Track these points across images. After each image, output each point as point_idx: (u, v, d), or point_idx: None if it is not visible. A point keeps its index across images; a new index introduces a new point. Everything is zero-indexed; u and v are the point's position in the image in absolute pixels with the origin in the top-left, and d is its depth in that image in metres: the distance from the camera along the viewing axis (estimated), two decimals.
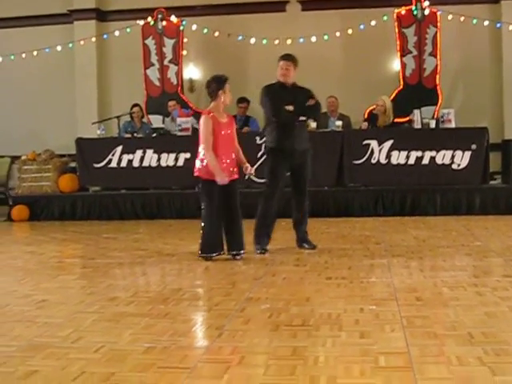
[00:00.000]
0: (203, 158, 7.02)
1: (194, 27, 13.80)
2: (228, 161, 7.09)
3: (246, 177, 7.54)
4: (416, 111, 11.80)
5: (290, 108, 7.46)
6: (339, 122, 11.79)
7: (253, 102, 12.73)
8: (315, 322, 4.37)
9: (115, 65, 14.67)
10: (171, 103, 13.12)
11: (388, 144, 11.30)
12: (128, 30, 13.99)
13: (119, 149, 12.09)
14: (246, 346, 3.91)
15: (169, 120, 13.10)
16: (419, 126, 11.67)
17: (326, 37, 13.29)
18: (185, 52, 14.02)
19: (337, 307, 4.78)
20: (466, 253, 7.22)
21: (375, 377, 3.29)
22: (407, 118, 12.27)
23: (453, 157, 11.17)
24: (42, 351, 3.86)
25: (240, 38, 13.61)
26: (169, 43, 13.95)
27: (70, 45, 14.25)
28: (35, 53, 14.15)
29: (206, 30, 13.76)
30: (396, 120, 11.99)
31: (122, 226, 10.98)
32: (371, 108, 12.14)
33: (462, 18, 13.01)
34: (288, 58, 7.61)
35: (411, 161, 11.26)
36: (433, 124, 11.70)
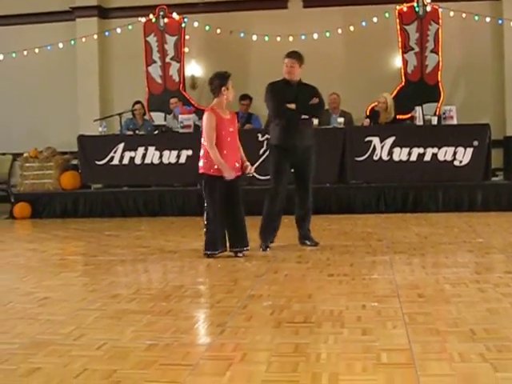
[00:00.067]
0: (207, 154, 7.02)
1: (196, 24, 13.80)
2: (232, 157, 7.10)
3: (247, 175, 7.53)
4: (418, 108, 11.78)
5: (292, 106, 7.47)
6: (341, 119, 11.79)
7: (255, 99, 12.78)
8: (317, 319, 4.37)
9: (117, 62, 14.68)
10: (173, 100, 13.12)
11: (390, 141, 11.28)
12: (130, 27, 13.99)
13: (121, 146, 12.08)
14: (248, 342, 3.92)
15: (171, 117, 13.10)
16: (421, 123, 11.66)
17: (327, 34, 13.29)
18: (186, 49, 14.02)
19: (339, 304, 4.78)
20: (468, 249, 7.22)
21: (377, 373, 3.29)
22: (409, 115, 12.26)
23: (455, 153, 11.16)
24: (44, 348, 3.87)
25: (242, 35, 13.61)
26: (170, 40, 13.95)
27: (72, 42, 14.26)
28: (37, 50, 14.15)
29: (207, 27, 13.76)
30: (398, 117, 11.98)
31: (124, 223, 10.98)
32: (373, 105, 12.13)
33: (464, 15, 13.01)
34: (293, 55, 7.59)
35: (413, 157, 11.25)
36: (435, 121, 11.69)
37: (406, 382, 3.18)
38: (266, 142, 11.31)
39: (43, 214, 12.16)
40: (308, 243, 7.67)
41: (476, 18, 13.00)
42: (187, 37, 13.95)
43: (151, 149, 11.98)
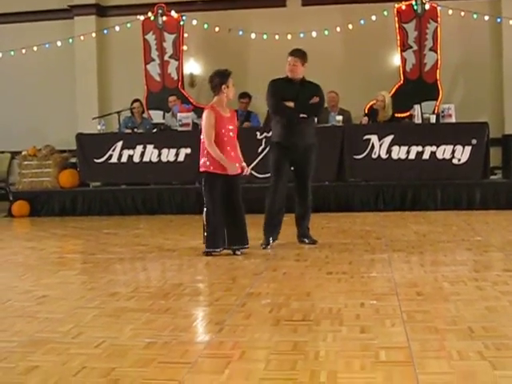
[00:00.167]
0: (207, 152, 7.02)
1: (195, 22, 13.78)
2: (233, 154, 7.11)
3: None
4: (416, 106, 11.78)
5: (291, 104, 7.48)
6: (340, 117, 11.78)
7: (253, 97, 12.79)
8: (316, 317, 4.37)
9: (115, 60, 14.66)
10: (172, 98, 13.11)
11: (388, 139, 11.29)
12: (128, 25, 13.97)
13: (120, 144, 12.08)
14: (246, 340, 3.92)
15: (169, 115, 13.09)
16: (420, 121, 11.65)
17: (326, 32, 13.27)
18: (185, 47, 14.01)
19: (337, 302, 4.78)
20: (467, 247, 7.22)
21: (376, 371, 3.29)
22: (407, 113, 12.26)
23: (453, 152, 11.16)
24: (43, 346, 3.87)
25: (240, 33, 13.60)
26: (169, 38, 13.93)
27: (71, 40, 14.23)
28: (35, 48, 14.14)
29: (206, 25, 13.75)
30: (396, 115, 11.99)
31: (123, 221, 10.98)
32: (371, 103, 12.13)
33: (463, 13, 13.00)
34: (296, 53, 7.60)
35: (412, 156, 11.25)
36: (433, 119, 11.69)
37: (404, 379, 3.18)
38: (264, 140, 11.33)
39: (42, 212, 12.16)
40: (307, 241, 7.68)
41: (475, 16, 13.00)
42: (186, 35, 13.94)
43: (150, 147, 11.98)
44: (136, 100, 13.00)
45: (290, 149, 7.51)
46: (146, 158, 12.00)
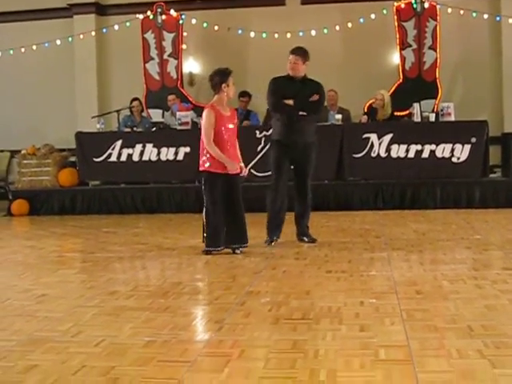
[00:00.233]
0: (206, 151, 7.02)
1: (194, 21, 13.78)
2: (233, 153, 7.11)
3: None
4: (416, 104, 11.79)
5: (290, 102, 7.48)
6: (339, 116, 11.78)
7: (254, 96, 12.80)
8: (315, 316, 4.37)
9: (115, 59, 14.66)
10: (171, 97, 13.12)
11: (388, 137, 11.29)
12: (127, 24, 13.97)
13: (119, 143, 12.08)
14: (246, 339, 3.92)
15: (168, 114, 13.09)
16: (419, 120, 11.66)
17: (325, 30, 13.27)
18: (184, 46, 14.01)
19: (337, 300, 4.78)
20: (466, 246, 7.22)
21: (375, 370, 3.29)
22: (407, 112, 12.27)
23: (452, 150, 11.16)
24: (42, 345, 3.87)
25: (240, 31, 13.59)
26: (168, 37, 13.94)
27: (70, 39, 14.23)
28: (34, 47, 14.14)
29: (205, 24, 13.74)
30: (396, 113, 11.98)
31: (122, 220, 10.98)
32: (371, 101, 12.13)
33: (462, 12, 13.00)
34: (297, 52, 7.60)
35: (411, 154, 11.25)
36: (432, 117, 11.69)
37: (403, 378, 3.18)
38: (263, 139, 11.34)
39: (41, 210, 12.17)
40: (306, 240, 7.68)
41: (474, 14, 12.99)
42: (185, 34, 13.94)
43: (149, 146, 11.98)
44: (135, 99, 13.00)
45: (290, 147, 7.51)
46: (145, 157, 12.00)
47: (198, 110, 11.67)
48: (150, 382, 3.25)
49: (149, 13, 13.88)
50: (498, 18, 13.08)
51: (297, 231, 7.79)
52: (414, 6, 13.05)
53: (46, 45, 14.12)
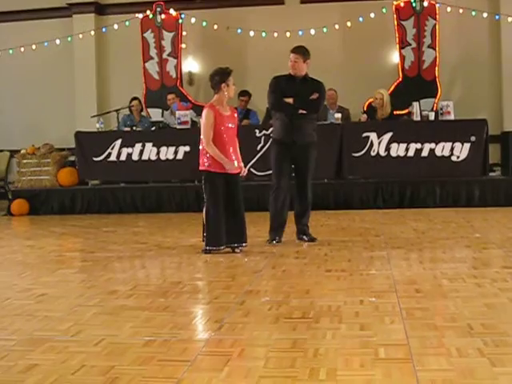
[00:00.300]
0: (206, 151, 7.02)
1: (193, 20, 13.77)
2: (233, 152, 7.11)
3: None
4: (415, 103, 11.78)
5: (290, 101, 7.48)
6: (338, 115, 11.78)
7: (253, 94, 12.80)
8: (315, 315, 4.37)
9: (114, 58, 14.65)
10: (170, 96, 13.12)
11: (387, 136, 11.28)
12: (127, 23, 13.97)
13: (118, 142, 12.07)
14: (245, 338, 3.92)
15: (168, 113, 13.09)
16: (418, 118, 11.65)
17: (324, 29, 13.27)
18: (184, 45, 14.01)
19: (336, 299, 4.78)
20: (466, 244, 7.22)
21: (375, 369, 3.29)
22: (406, 111, 12.26)
23: (452, 149, 11.16)
24: (42, 345, 3.87)
25: (239, 31, 13.59)
26: (167, 36, 13.93)
27: (69, 38, 14.22)
28: (34, 47, 14.12)
29: (204, 23, 13.73)
30: (395, 112, 11.97)
31: (122, 219, 10.98)
32: (370, 100, 12.13)
33: (461, 10, 13.00)
34: (297, 50, 7.61)
35: (410, 153, 11.25)
36: (432, 116, 11.68)
37: (403, 377, 3.18)
38: (263, 138, 11.34)
39: (41, 210, 12.17)
40: (306, 239, 7.68)
41: (473, 13, 12.98)
42: (184, 33, 13.94)
43: (148, 145, 11.98)
44: (135, 98, 13.00)
45: (290, 146, 7.52)
46: (144, 156, 11.99)
47: (198, 109, 11.68)
48: (149, 382, 3.26)
49: (148, 12, 13.88)
50: (497, 17, 13.07)
51: (296, 230, 7.80)
52: (414, 4, 13.05)
53: (46, 44, 14.11)
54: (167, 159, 11.93)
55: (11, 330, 4.24)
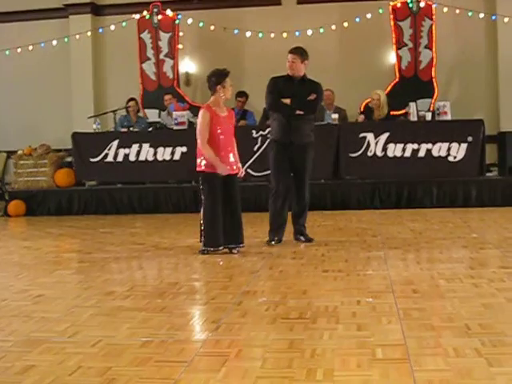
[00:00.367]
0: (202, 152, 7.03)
1: (190, 21, 13.77)
2: (230, 154, 7.11)
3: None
4: (412, 104, 11.78)
5: (287, 101, 7.48)
6: (335, 115, 11.79)
7: (250, 95, 12.80)
8: (312, 315, 4.38)
9: (111, 59, 14.63)
10: (167, 97, 13.11)
11: (384, 137, 11.29)
12: (124, 24, 13.95)
13: (115, 143, 12.07)
14: (243, 339, 3.92)
15: (165, 114, 13.09)
16: (415, 119, 11.67)
17: (321, 30, 13.27)
18: (180, 46, 13.99)
19: (334, 300, 4.78)
20: (463, 245, 7.23)
21: (372, 369, 3.29)
22: (403, 111, 12.25)
23: (449, 149, 11.16)
24: (39, 346, 3.86)
25: (236, 31, 13.58)
26: (164, 37, 13.92)
27: (66, 39, 14.20)
28: (31, 47, 14.10)
29: (201, 24, 13.73)
30: (392, 113, 11.97)
31: (119, 220, 10.97)
32: (367, 101, 12.13)
33: (458, 11, 13.00)
34: (294, 51, 7.62)
35: (407, 153, 11.25)
36: (429, 116, 11.70)
37: (400, 377, 3.18)
38: (260, 139, 11.34)
39: (37, 211, 12.16)
40: (302, 239, 7.69)
41: (470, 13, 12.99)
42: (181, 33, 13.92)
43: (145, 146, 11.97)
44: (131, 99, 12.99)
45: (288, 146, 7.52)
46: (141, 157, 11.99)
47: (195, 110, 11.67)
48: (146, 383, 3.26)
49: (145, 13, 13.87)
50: (493, 17, 13.08)
51: (294, 231, 7.80)
52: (410, 5, 13.05)
53: (42, 45, 14.10)
54: (164, 160, 11.93)
55: (8, 331, 4.23)
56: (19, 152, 12.92)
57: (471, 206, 10.85)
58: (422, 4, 13.00)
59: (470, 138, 11.13)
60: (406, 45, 13.12)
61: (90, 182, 12.69)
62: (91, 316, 4.57)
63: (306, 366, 3.37)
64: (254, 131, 11.52)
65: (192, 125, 11.82)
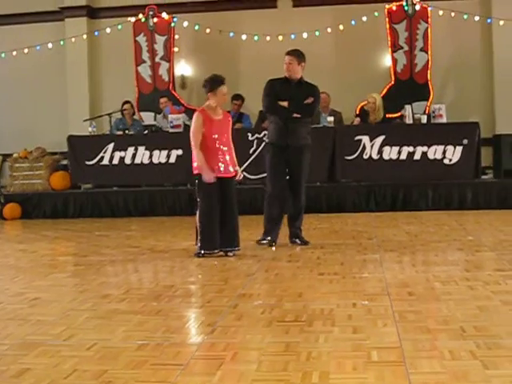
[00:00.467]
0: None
1: (186, 24, 13.77)
2: (226, 157, 7.10)
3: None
4: (407, 106, 11.81)
5: (284, 104, 7.49)
6: (331, 118, 11.80)
7: (245, 98, 12.81)
8: (308, 318, 4.38)
9: (106, 62, 14.63)
10: (163, 100, 13.11)
11: (380, 139, 11.30)
12: (119, 26, 13.95)
13: (111, 146, 12.06)
14: (238, 342, 3.92)
15: (160, 117, 13.09)
16: (411, 122, 11.69)
17: (317, 33, 13.28)
18: (176, 49, 13.99)
19: (329, 303, 4.78)
20: (458, 247, 7.24)
21: (368, 372, 3.29)
22: (398, 114, 12.27)
23: (444, 152, 11.19)
24: (35, 349, 3.86)
25: (231, 34, 13.58)
26: (160, 40, 13.92)
27: (61, 42, 14.19)
28: (26, 50, 14.09)
29: (197, 27, 13.73)
30: (387, 115, 11.99)
31: (114, 223, 10.96)
32: (362, 104, 12.15)
33: (453, 14, 13.02)
34: (291, 53, 7.63)
35: (403, 156, 11.27)
36: (424, 119, 11.71)
37: (396, 379, 3.19)
38: (256, 141, 11.34)
39: (33, 214, 12.14)
40: (298, 242, 7.69)
41: (465, 16, 13.02)
42: (177, 36, 13.92)
43: (141, 149, 11.97)
44: (127, 102, 12.99)
45: (284, 149, 7.53)
46: (137, 160, 11.99)
47: (190, 113, 11.62)
48: None
49: (140, 16, 13.87)
50: (488, 20, 13.11)
51: (289, 233, 7.80)
52: (406, 8, 13.08)
53: (38, 48, 14.08)
54: (160, 163, 11.93)
55: (4, 335, 4.22)
56: (15, 155, 12.91)
57: (467, 209, 10.87)
58: (418, 7, 13.02)
59: (465, 141, 11.16)
60: (402, 48, 13.15)
61: (86, 185, 12.68)
62: (87, 319, 4.56)
63: (301, 368, 3.37)
64: (249, 134, 11.52)
65: (188, 128, 11.80)
